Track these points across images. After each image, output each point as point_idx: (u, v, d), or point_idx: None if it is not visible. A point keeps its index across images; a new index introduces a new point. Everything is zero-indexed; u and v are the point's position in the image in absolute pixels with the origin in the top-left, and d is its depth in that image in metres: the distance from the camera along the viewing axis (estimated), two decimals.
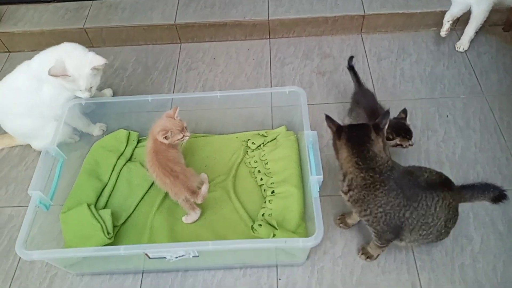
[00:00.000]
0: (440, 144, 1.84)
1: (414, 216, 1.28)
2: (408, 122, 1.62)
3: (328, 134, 1.91)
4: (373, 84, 2.07)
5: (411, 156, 1.81)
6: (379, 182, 1.27)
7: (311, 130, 1.55)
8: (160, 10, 2.34)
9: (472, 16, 2.09)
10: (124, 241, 1.56)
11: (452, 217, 1.37)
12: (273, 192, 1.60)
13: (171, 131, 1.52)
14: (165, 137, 1.51)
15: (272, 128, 1.89)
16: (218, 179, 1.72)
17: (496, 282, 1.48)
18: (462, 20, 2.19)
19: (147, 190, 1.70)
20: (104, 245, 1.49)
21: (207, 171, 1.74)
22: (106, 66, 2.18)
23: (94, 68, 1.61)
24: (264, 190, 1.64)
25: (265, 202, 1.60)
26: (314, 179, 1.41)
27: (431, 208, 1.28)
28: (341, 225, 1.63)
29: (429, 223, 1.31)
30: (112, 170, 1.74)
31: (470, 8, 2.08)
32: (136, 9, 2.37)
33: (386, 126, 1.36)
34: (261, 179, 1.67)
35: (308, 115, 1.59)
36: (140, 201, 1.67)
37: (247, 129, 1.90)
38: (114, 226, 1.57)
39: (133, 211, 1.65)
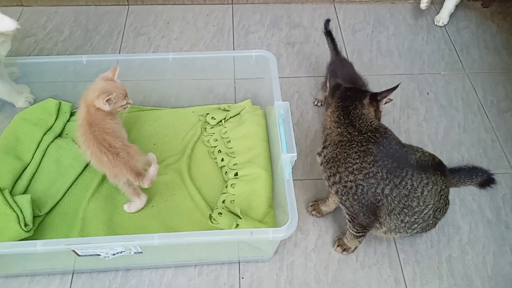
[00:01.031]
0: (422, 124, 1.66)
1: (394, 195, 1.07)
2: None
3: (298, 111, 1.68)
4: (347, 57, 1.85)
5: None
6: (356, 142, 1.08)
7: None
8: None
9: None
10: (48, 235, 1.25)
11: (442, 206, 1.18)
12: (236, 174, 1.33)
13: (115, 94, 1.22)
14: (108, 102, 1.21)
15: (235, 102, 1.62)
16: (170, 159, 1.43)
17: (487, 276, 1.31)
18: None
19: (81, 172, 1.39)
20: (20, 240, 1.17)
21: (157, 150, 1.45)
22: (38, 28, 1.84)
23: (1, 34, 1.26)
24: (226, 172, 1.38)
25: (226, 187, 1.33)
26: (286, 158, 1.16)
27: (417, 189, 1.08)
28: (313, 212, 1.40)
29: (413, 207, 1.10)
30: (37, 148, 1.41)
31: None
32: None
33: (384, 101, 1.18)
34: (222, 159, 1.40)
35: (278, 82, 1.34)
36: (71, 186, 1.36)
37: (206, 103, 1.62)
38: (35, 217, 1.24)
39: (61, 198, 1.33)
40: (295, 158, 1.18)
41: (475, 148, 1.59)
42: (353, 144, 1.07)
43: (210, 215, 1.26)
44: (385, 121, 1.65)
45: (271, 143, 1.42)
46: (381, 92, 1.17)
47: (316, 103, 1.70)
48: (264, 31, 1.96)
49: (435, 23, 2.01)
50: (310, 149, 1.56)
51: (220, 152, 1.43)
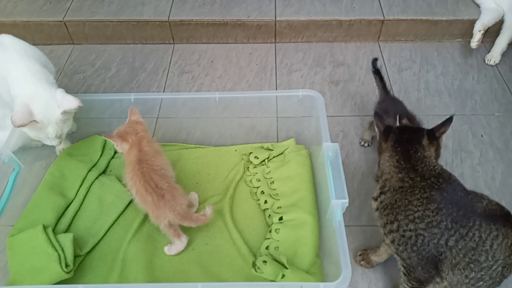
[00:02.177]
0: (477, 168, 1.55)
1: (460, 247, 0.97)
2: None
3: (344, 151, 1.62)
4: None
5: None
6: (419, 188, 1.00)
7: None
8: (153, 4, 2.06)
9: (504, 26, 1.86)
10: (87, 276, 1.22)
11: (511, 263, 1.06)
12: (281, 218, 1.27)
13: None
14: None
15: (278, 141, 1.58)
16: (212, 199, 1.39)
17: None
18: (490, 32, 1.95)
19: (123, 211, 1.37)
20: (60, 282, 1.14)
21: (199, 189, 1.42)
22: (87, 65, 1.90)
23: (65, 112, 1.28)
24: (269, 215, 1.32)
25: (270, 232, 1.27)
26: (337, 204, 1.10)
27: (486, 242, 0.98)
28: (362, 262, 1.31)
29: (480, 262, 0.99)
30: (81, 185, 1.41)
31: (503, 16, 1.85)
32: (125, 2, 2.08)
33: (444, 136, 1.13)
34: (266, 201, 1.35)
35: (326, 121, 1.29)
36: (112, 224, 1.34)
37: (249, 141, 1.59)
38: (76, 256, 1.22)
39: (102, 237, 1.31)
40: (347, 205, 1.12)
41: None
42: (415, 190, 1.00)
43: (254, 262, 1.19)
44: None
45: (316, 186, 1.37)
46: (438, 127, 1.12)
47: (362, 143, 1.63)
48: (307, 70, 1.94)
49: (486, 62, 1.93)
50: (357, 193, 1.49)
51: (263, 193, 1.38)
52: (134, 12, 2.02)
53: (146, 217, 1.34)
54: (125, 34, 2.05)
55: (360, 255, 1.32)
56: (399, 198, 1.01)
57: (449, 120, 1.11)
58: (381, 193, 1.07)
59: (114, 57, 2.03)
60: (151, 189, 1.20)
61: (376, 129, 1.16)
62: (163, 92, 1.86)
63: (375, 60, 1.56)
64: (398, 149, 1.07)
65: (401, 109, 1.46)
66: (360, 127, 1.70)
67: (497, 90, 1.82)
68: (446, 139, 1.64)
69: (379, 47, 2.03)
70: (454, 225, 0.97)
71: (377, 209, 1.08)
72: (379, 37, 2.03)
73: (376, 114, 1.15)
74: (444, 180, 1.01)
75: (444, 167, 1.54)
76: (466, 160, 1.58)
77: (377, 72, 1.55)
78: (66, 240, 1.21)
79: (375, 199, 1.09)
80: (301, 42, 2.06)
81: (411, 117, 1.43)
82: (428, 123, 1.68)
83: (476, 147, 1.62)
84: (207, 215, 1.24)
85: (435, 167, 1.03)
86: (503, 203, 1.43)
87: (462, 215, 0.98)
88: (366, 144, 1.63)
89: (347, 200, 1.10)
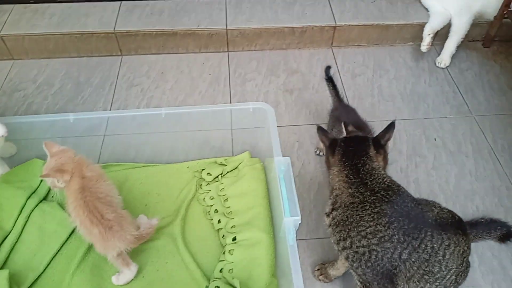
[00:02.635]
0: (431, 172, 1.56)
1: (413, 259, 0.95)
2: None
3: (300, 162, 1.58)
4: (348, 102, 1.78)
5: None
6: (369, 203, 0.97)
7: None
8: (97, 15, 1.96)
9: (452, 29, 1.89)
10: None
11: (464, 270, 1.06)
12: (234, 239, 1.22)
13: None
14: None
15: (233, 155, 1.53)
16: (162, 222, 1.32)
17: None
18: (440, 35, 1.98)
19: (66, 240, 1.27)
20: None
21: (148, 211, 1.34)
22: (28, 82, 1.79)
23: None
24: (223, 236, 1.26)
25: (224, 253, 1.22)
26: (289, 222, 1.06)
27: (439, 252, 0.96)
28: (320, 277, 1.27)
29: (434, 273, 0.98)
30: (19, 214, 1.30)
31: (450, 20, 1.88)
32: (67, 14, 1.97)
33: (389, 143, 1.11)
34: (219, 221, 1.29)
35: (278, 135, 1.25)
36: (54, 256, 1.24)
37: (202, 157, 1.53)
38: None
39: (44, 270, 1.21)
40: (299, 222, 1.08)
41: (490, 197, 1.49)
42: (366, 205, 0.97)
43: (207, 287, 1.13)
44: (392, 170, 1.55)
45: (271, 201, 1.32)
46: (382, 135, 1.09)
47: (318, 152, 1.61)
48: (261, 79, 1.90)
49: (437, 65, 1.95)
50: (314, 204, 1.46)
51: (217, 212, 1.33)
52: (78, 24, 1.92)
53: (91, 246, 1.25)
54: (68, 47, 1.94)
55: (318, 269, 1.28)
56: (351, 214, 0.98)
57: (391, 126, 1.09)
58: (332, 209, 1.03)
59: (58, 72, 1.92)
60: (97, 221, 1.11)
61: (321, 144, 1.13)
62: (110, 107, 1.77)
63: (328, 68, 1.54)
64: (346, 163, 1.04)
65: (354, 117, 1.45)
66: (315, 136, 1.65)
67: (448, 92, 1.85)
68: (401, 145, 1.64)
69: (333, 53, 2.02)
70: (406, 238, 0.95)
71: (329, 226, 1.05)
72: (332, 43, 2.02)
73: (319, 129, 1.11)
74: (393, 192, 0.99)
75: (399, 173, 1.57)
76: (421, 164, 1.58)
77: (330, 80, 1.53)
78: (1, 278, 1.10)
79: (327, 215, 1.05)
80: (255, 50, 2.02)
81: (363, 125, 1.42)
82: (382, 128, 1.69)
83: (429, 151, 1.63)
84: (153, 225, 1.18)
85: (384, 179, 1.01)
86: (457, 206, 1.47)
87: (413, 227, 0.96)
88: (321, 153, 1.60)
89: (299, 218, 1.07)
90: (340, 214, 1.00)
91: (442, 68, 1.95)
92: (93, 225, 1.11)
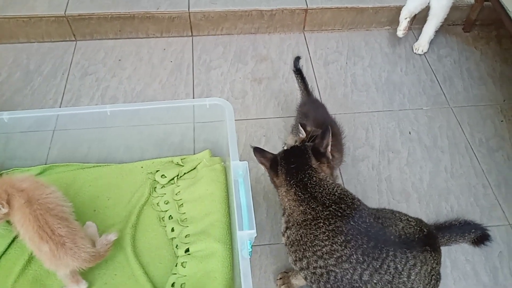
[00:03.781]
0: (404, 169, 1.47)
1: (375, 281, 0.87)
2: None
3: None
4: (319, 93, 1.67)
5: (369, 186, 1.42)
6: (322, 219, 0.88)
7: (242, 155, 1.12)
8: None
9: (431, 13, 1.77)
10: None
11: (433, 287, 0.98)
12: (187, 250, 1.11)
13: None
14: None
15: (195, 153, 1.41)
16: (112, 229, 1.20)
17: None
18: (418, 18, 1.86)
19: (5, 250, 1.15)
20: None
21: (97, 218, 1.22)
22: None
23: None
24: (177, 246, 1.15)
25: (176, 266, 1.11)
26: (244, 236, 0.96)
27: (403, 273, 0.88)
28: (282, 287, 1.18)
29: None
30: None
31: (428, 3, 1.76)
32: None
33: (329, 148, 1.00)
34: (172, 229, 1.18)
35: (236, 138, 1.13)
36: None
37: (159, 155, 1.41)
38: None
39: None
40: (255, 235, 0.98)
41: (465, 196, 1.41)
42: (319, 222, 0.88)
43: None
44: (364, 167, 1.46)
45: (230, 206, 1.21)
46: (320, 143, 0.99)
47: (285, 148, 1.49)
48: (228, 66, 1.76)
49: (414, 51, 1.84)
50: (278, 205, 1.35)
51: (171, 218, 1.21)
52: (25, 7, 1.74)
53: (32, 258, 1.13)
54: (16, 32, 1.77)
55: (280, 278, 1.20)
56: (304, 233, 0.89)
57: (326, 131, 0.99)
58: (286, 228, 0.94)
59: (4, 59, 1.75)
60: (47, 237, 1.00)
61: (262, 167, 1.01)
62: (62, 99, 1.62)
63: (297, 59, 1.41)
64: (292, 181, 0.94)
65: (322, 114, 1.34)
66: (284, 130, 1.56)
67: (425, 81, 1.74)
68: (373, 139, 1.54)
69: (305, 38, 1.89)
70: (366, 258, 0.86)
71: (286, 245, 0.95)
72: (304, 27, 1.89)
73: (256, 150, 1.00)
74: (347, 205, 0.89)
75: (371, 170, 1.47)
76: (394, 161, 1.49)
77: (298, 72, 1.41)
78: None
79: (283, 234, 0.96)
80: (221, 34, 1.88)
81: (331, 122, 1.31)
82: (355, 122, 1.59)
83: (404, 146, 1.53)
84: (110, 241, 1.08)
85: (335, 190, 0.92)
86: (430, 206, 1.39)
87: (373, 246, 0.87)
88: None
89: (254, 231, 0.96)
90: (293, 233, 0.91)
91: (420, 54, 1.84)
92: (42, 242, 1.00)
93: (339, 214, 0.87)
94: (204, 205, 1.20)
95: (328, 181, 0.93)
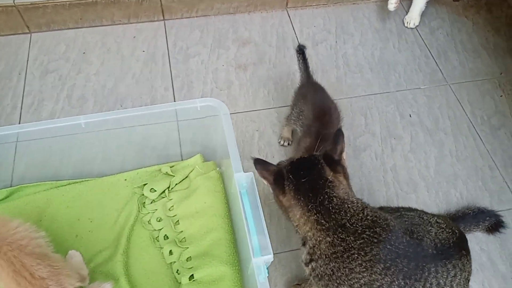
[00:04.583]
0: (409, 156, 1.38)
1: None
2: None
3: (262, 156, 1.34)
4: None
5: (374, 178, 1.32)
6: (357, 249, 0.76)
7: (243, 164, 0.97)
8: None
9: None
10: None
11: None
12: (192, 277, 0.98)
13: None
14: None
15: (182, 159, 1.26)
16: (99, 257, 1.06)
17: None
18: None
19: None
20: None
21: (80, 245, 1.07)
22: None
23: None
24: (177, 271, 1.02)
25: None
26: (259, 263, 0.83)
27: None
28: None
29: None
30: None
31: None
32: None
33: (344, 155, 0.88)
34: (171, 252, 1.05)
35: (236, 145, 0.99)
36: None
37: (142, 163, 1.25)
38: None
39: None
40: (271, 260, 0.86)
41: (473, 180, 1.34)
42: (353, 254, 0.76)
43: None
44: (367, 157, 1.36)
45: (234, 220, 1.09)
46: (333, 149, 0.86)
47: (282, 142, 1.37)
48: (208, 53, 1.59)
49: (405, 25, 1.73)
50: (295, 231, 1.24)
51: (167, 238, 1.08)
52: None
53: None
54: None
55: None
56: (337, 268, 0.77)
57: (340, 135, 0.86)
58: (311, 260, 0.82)
59: None
60: (26, 283, 0.84)
61: (265, 182, 0.86)
62: (21, 104, 1.41)
63: (302, 47, 1.29)
64: (309, 205, 0.79)
65: (321, 97, 1.22)
66: (277, 122, 1.43)
67: (420, 58, 1.64)
68: (373, 125, 1.44)
69: (289, 16, 1.73)
70: (408, 281, 0.77)
71: (310, 275, 0.84)
72: (287, 3, 1.73)
73: (257, 162, 0.85)
74: (382, 229, 0.78)
75: (375, 160, 1.38)
76: (397, 147, 1.40)
77: (301, 52, 1.28)
78: None
79: (306, 265, 0.84)
80: (197, 17, 1.69)
81: (330, 108, 1.20)
82: (352, 107, 1.48)
83: (405, 130, 1.44)
84: None
85: (366, 213, 0.79)
86: (439, 195, 1.31)
87: (414, 267, 0.77)
88: (286, 143, 1.37)
89: (271, 255, 0.84)
90: (321, 266, 0.79)
91: (411, 28, 1.73)
92: None
93: (375, 241, 0.76)
94: (204, 221, 1.06)
95: (353, 201, 0.80)
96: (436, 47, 1.68)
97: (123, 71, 1.52)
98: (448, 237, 0.86)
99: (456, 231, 0.89)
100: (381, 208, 1.11)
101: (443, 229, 0.87)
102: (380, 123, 1.45)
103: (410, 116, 1.47)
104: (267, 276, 0.86)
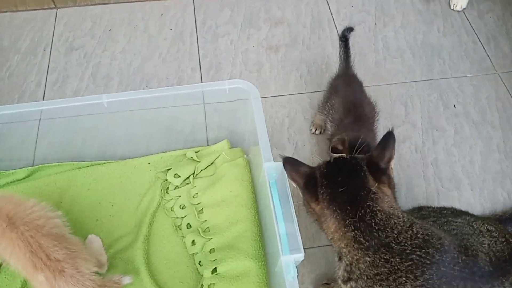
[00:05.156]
0: (452, 150, 1.27)
1: None
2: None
3: (292, 144, 1.27)
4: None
5: (414, 172, 1.22)
6: (405, 272, 0.66)
7: (272, 153, 0.89)
8: None
9: None
10: None
11: None
12: (214, 270, 0.93)
13: None
14: None
15: (208, 144, 1.20)
16: (120, 244, 1.01)
17: None
18: None
19: None
20: None
21: (101, 229, 1.03)
22: None
23: None
24: (200, 263, 0.97)
25: (202, 287, 0.93)
26: (289, 261, 0.76)
27: None
28: None
29: None
30: None
31: None
32: None
33: (392, 163, 0.76)
34: (193, 242, 0.99)
35: (267, 133, 0.91)
36: None
37: (167, 147, 1.19)
38: None
39: None
40: (302, 259, 0.79)
41: None
42: (401, 277, 0.66)
43: None
44: (406, 150, 1.26)
45: (262, 211, 1.02)
46: (380, 155, 0.75)
47: (314, 130, 1.29)
48: (238, 33, 1.51)
49: (452, 7, 1.59)
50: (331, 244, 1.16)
51: (190, 227, 1.02)
52: None
53: (26, 284, 0.95)
54: None
55: None
56: None
57: (390, 138, 0.75)
58: (349, 279, 0.73)
59: None
60: (42, 264, 0.81)
61: (294, 184, 0.78)
62: (46, 80, 1.37)
63: (348, 30, 1.18)
64: (347, 220, 0.69)
65: (355, 91, 1.12)
66: (309, 108, 1.34)
67: (467, 43, 1.51)
68: (414, 115, 1.33)
69: None
70: None
71: None
72: None
73: (286, 161, 0.76)
74: (435, 249, 0.67)
75: (415, 153, 1.28)
76: (439, 141, 1.29)
77: (345, 40, 1.18)
78: None
79: (344, 283, 0.75)
80: None
81: (362, 104, 1.10)
82: (391, 95, 1.37)
83: (449, 122, 1.33)
84: (121, 283, 0.89)
85: (415, 231, 0.69)
86: (484, 194, 1.19)
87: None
88: (318, 131, 1.28)
89: (302, 254, 0.77)
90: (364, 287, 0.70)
91: (458, 11, 1.59)
92: (37, 271, 0.81)
93: (428, 262, 0.66)
94: (229, 211, 1.00)
95: (399, 216, 0.70)
96: (485, 32, 1.54)
97: (149, 50, 1.45)
98: (503, 248, 0.76)
99: (510, 240, 0.80)
100: (420, 209, 1.02)
101: (496, 239, 0.78)
102: (421, 113, 1.34)
103: (454, 106, 1.36)
104: (297, 276, 0.79)
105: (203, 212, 1.02)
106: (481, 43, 1.51)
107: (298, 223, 1.09)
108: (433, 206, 1.00)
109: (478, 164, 1.25)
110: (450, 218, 0.86)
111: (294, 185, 0.80)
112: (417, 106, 1.35)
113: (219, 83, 0.99)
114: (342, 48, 1.18)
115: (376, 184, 0.72)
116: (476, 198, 1.19)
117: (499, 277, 0.70)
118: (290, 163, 0.77)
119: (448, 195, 1.19)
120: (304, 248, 1.08)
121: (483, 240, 0.76)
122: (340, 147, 0.94)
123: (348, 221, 0.69)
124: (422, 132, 1.30)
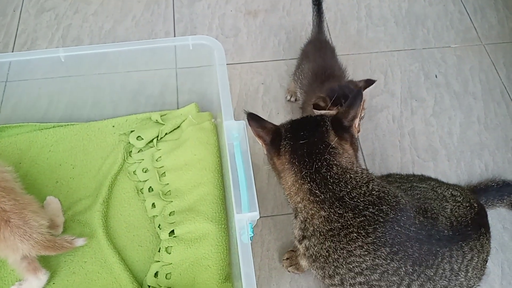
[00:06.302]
0: (430, 121, 1.24)
1: None
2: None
3: (266, 112, 1.23)
4: (328, 29, 1.38)
5: (389, 142, 1.19)
6: (357, 228, 0.64)
7: (237, 110, 0.90)
8: None
9: None
10: None
11: (482, 275, 0.79)
12: (172, 232, 0.89)
13: None
14: None
15: (177, 107, 1.15)
16: (79, 206, 0.98)
17: None
18: None
19: None
20: None
21: (60, 191, 1.00)
22: None
23: None
24: (159, 226, 0.93)
25: (159, 251, 0.90)
26: (244, 219, 0.73)
27: (460, 273, 0.69)
28: (290, 268, 0.99)
29: None
30: None
31: None
32: None
33: (357, 122, 0.74)
34: (153, 205, 0.96)
35: (229, 90, 0.87)
36: None
37: (135, 110, 1.15)
38: None
39: None
40: (257, 217, 0.76)
41: (502, 151, 1.19)
42: (352, 233, 0.64)
43: None
44: (383, 119, 1.23)
45: (226, 175, 0.98)
46: (345, 112, 0.72)
47: (289, 97, 1.25)
48: None
49: None
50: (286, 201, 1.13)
51: (151, 190, 0.98)
52: None
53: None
54: None
55: (287, 258, 1.00)
56: (333, 248, 0.65)
57: (357, 97, 0.72)
58: (303, 237, 0.70)
59: None
60: None
61: (259, 141, 0.75)
62: (14, 42, 1.32)
63: None
64: (304, 172, 0.67)
65: (325, 57, 1.07)
66: (286, 75, 1.29)
67: (453, 13, 1.46)
68: (393, 84, 1.29)
69: None
70: (418, 268, 0.65)
71: (304, 255, 0.73)
72: None
73: (250, 117, 0.74)
74: (390, 207, 0.65)
75: (392, 123, 1.24)
76: (418, 111, 1.25)
77: (318, 3, 1.12)
78: None
79: (299, 242, 0.73)
80: None
81: (332, 69, 1.05)
82: (371, 64, 1.33)
83: (429, 92, 1.29)
84: (73, 244, 0.86)
85: (370, 187, 0.66)
86: (461, 165, 1.16)
87: (426, 252, 0.65)
88: (293, 99, 1.24)
89: (257, 213, 0.74)
90: (315, 246, 0.68)
91: None
92: None
93: (381, 220, 0.63)
94: (192, 174, 0.96)
95: (357, 171, 0.68)
96: (473, 2, 1.49)
97: (122, 12, 1.40)
98: (466, 213, 0.73)
99: (475, 205, 0.77)
100: (389, 176, 0.99)
101: (459, 204, 0.75)
102: (401, 83, 1.30)
103: (436, 77, 1.31)
104: (251, 240, 0.76)
105: (165, 176, 0.98)
106: (468, 14, 1.46)
107: (266, 190, 1.06)
108: (401, 174, 0.97)
109: (457, 135, 1.21)
110: (415, 184, 0.83)
111: (260, 142, 0.76)
112: (397, 76, 1.31)
113: (181, 39, 0.94)
114: (315, 12, 1.13)
115: (336, 139, 0.70)
116: (452, 169, 1.16)
117: (459, 242, 0.68)
118: (255, 120, 0.74)
119: (423, 166, 1.15)
120: (271, 215, 1.06)
121: (445, 205, 0.73)
122: (322, 103, 0.91)
123: (304, 172, 0.67)
124: (401, 101, 1.26)
